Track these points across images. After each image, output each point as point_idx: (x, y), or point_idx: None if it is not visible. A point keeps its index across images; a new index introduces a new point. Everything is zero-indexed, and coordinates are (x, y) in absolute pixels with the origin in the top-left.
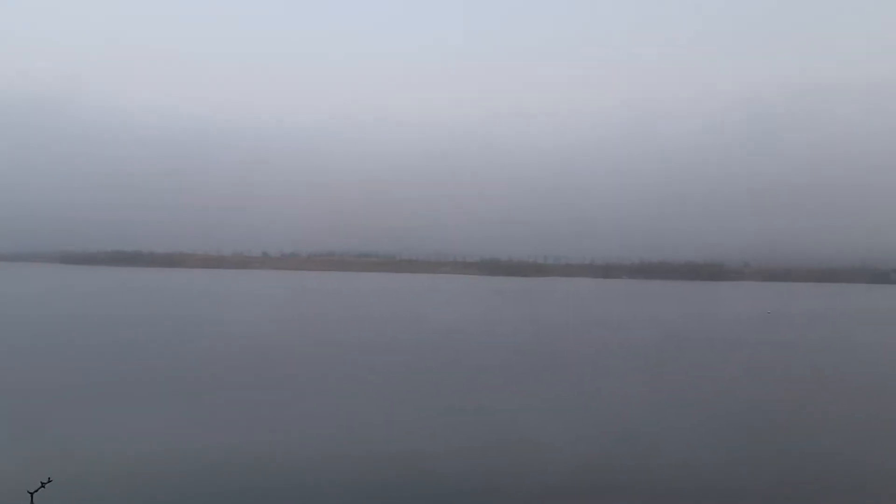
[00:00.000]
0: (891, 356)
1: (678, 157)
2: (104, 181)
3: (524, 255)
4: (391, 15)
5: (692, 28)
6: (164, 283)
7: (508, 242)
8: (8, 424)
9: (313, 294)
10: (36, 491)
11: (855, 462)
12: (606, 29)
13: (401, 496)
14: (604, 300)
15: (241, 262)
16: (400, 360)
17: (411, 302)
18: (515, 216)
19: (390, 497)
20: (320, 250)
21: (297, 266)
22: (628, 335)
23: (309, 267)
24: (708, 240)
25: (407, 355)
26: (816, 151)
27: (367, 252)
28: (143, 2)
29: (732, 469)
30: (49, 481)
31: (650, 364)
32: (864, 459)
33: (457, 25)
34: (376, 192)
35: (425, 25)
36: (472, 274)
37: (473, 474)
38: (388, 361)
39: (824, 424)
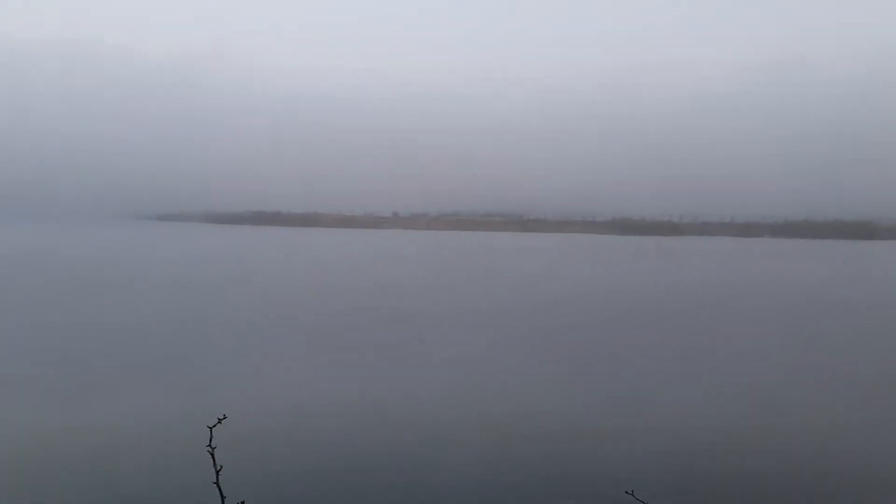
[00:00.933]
0: None
1: (824, 108)
2: (246, 144)
3: (657, 214)
4: None
5: None
6: (302, 241)
7: (640, 200)
8: (184, 369)
9: (442, 253)
10: (214, 426)
11: None
12: None
13: (530, 460)
14: (745, 260)
15: (373, 221)
16: (536, 323)
17: (542, 262)
18: (647, 173)
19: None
20: (447, 210)
21: (425, 226)
22: (775, 299)
23: (436, 227)
24: (858, 195)
25: (541, 317)
26: None
27: (493, 212)
28: None
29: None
30: (224, 417)
31: (806, 331)
32: None
33: None
34: (502, 151)
35: None
36: (602, 233)
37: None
38: (523, 324)
39: None
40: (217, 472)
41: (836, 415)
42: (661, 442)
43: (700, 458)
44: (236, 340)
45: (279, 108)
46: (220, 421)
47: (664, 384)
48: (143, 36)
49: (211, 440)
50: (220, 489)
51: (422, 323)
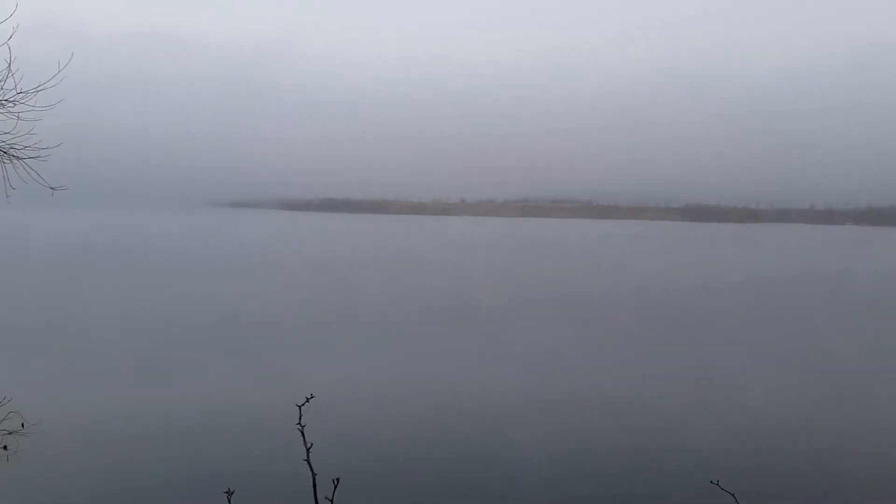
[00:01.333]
0: None
1: None
2: (317, 132)
3: (733, 200)
4: None
5: None
6: (373, 228)
7: (715, 186)
8: (271, 350)
9: (513, 240)
10: (303, 405)
11: None
12: None
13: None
14: (833, 249)
15: (441, 208)
16: (618, 313)
17: (617, 250)
18: (723, 158)
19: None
20: (515, 196)
21: (492, 212)
22: (870, 289)
23: (504, 213)
24: None
25: (623, 307)
26: None
27: (562, 198)
28: None
29: None
30: (312, 396)
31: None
32: None
33: None
34: (572, 137)
35: None
36: (675, 220)
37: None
38: (605, 314)
39: None
40: (308, 450)
41: None
42: (749, 434)
43: (789, 453)
44: (318, 323)
45: (349, 96)
46: (307, 400)
47: (753, 377)
48: (220, 27)
49: (300, 418)
50: (310, 466)
51: (501, 310)
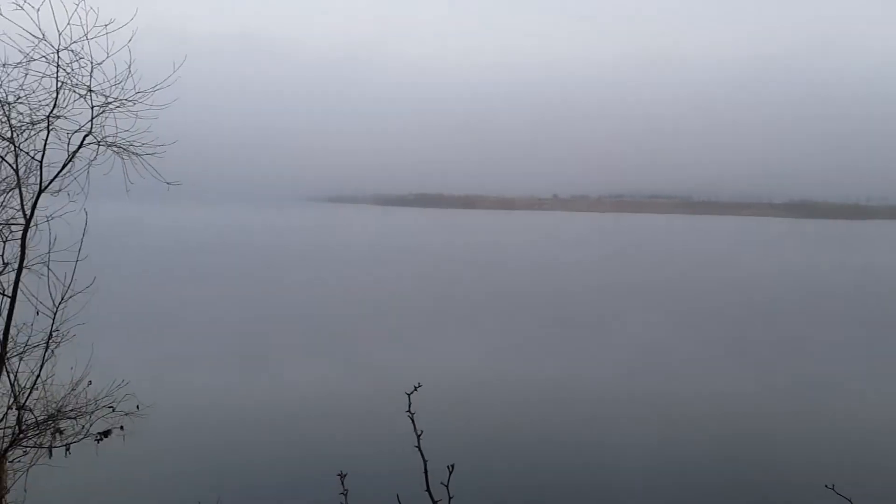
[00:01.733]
0: None
1: None
2: (410, 129)
3: (841, 196)
4: None
5: None
6: (465, 223)
7: (821, 181)
8: (378, 340)
9: (610, 236)
10: (411, 393)
11: None
12: None
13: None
14: None
15: (533, 203)
16: (725, 313)
17: (719, 247)
18: (829, 152)
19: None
20: (610, 191)
21: (586, 207)
22: None
23: (599, 209)
24: None
25: (730, 308)
26: None
27: (658, 193)
28: None
29: None
30: (420, 385)
31: None
32: None
33: None
34: (668, 130)
35: None
36: (779, 217)
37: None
38: (712, 314)
39: None
40: (418, 437)
41: None
42: (864, 437)
43: None
44: (422, 315)
45: (443, 93)
46: (415, 388)
47: (868, 380)
48: (320, 27)
49: (409, 406)
50: (421, 452)
51: (604, 308)
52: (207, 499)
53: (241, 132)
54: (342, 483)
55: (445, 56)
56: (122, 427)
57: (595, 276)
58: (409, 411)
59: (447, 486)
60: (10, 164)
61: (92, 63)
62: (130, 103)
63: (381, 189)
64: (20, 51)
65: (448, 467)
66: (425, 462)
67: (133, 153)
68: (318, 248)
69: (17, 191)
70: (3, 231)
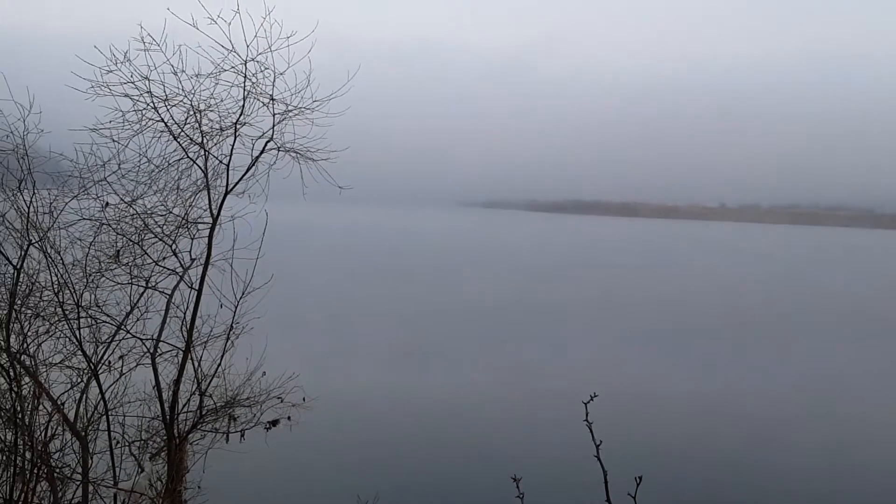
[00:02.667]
0: None
1: None
2: (567, 134)
3: None
4: None
5: None
6: (623, 231)
7: None
8: (548, 347)
9: (780, 249)
10: (588, 402)
11: None
12: None
13: None
14: None
15: (697, 212)
16: None
17: None
18: None
19: None
20: (782, 201)
21: (756, 218)
22: None
23: (769, 219)
24: None
25: None
26: None
27: (838, 204)
28: None
29: None
30: (596, 395)
31: None
32: None
33: None
34: (849, 136)
35: None
36: None
37: None
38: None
39: None
40: (597, 446)
41: None
42: None
43: None
44: (588, 324)
45: (603, 98)
46: (592, 398)
47: None
48: (482, 35)
49: (587, 415)
50: (601, 462)
51: (786, 326)
52: (367, 492)
53: (408, 136)
54: (517, 486)
55: (609, 60)
56: (289, 417)
57: (768, 290)
58: (586, 420)
59: (634, 497)
60: (200, 168)
61: (274, 73)
62: (308, 111)
63: (536, 195)
64: (212, 62)
65: (636, 479)
66: (605, 472)
67: (309, 158)
68: (477, 252)
69: (205, 192)
70: (192, 229)
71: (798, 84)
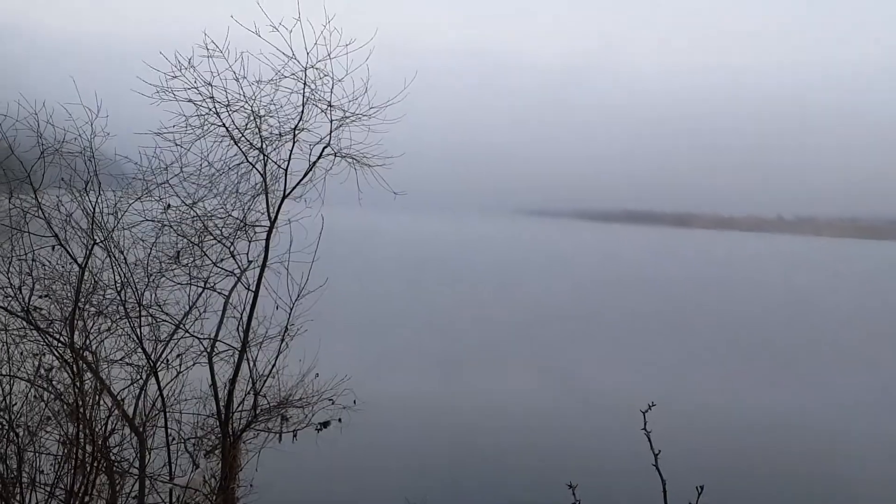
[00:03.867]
0: None
1: None
2: (619, 142)
3: None
4: None
5: None
6: (678, 243)
7: None
8: (607, 356)
9: (841, 263)
10: (646, 411)
11: None
12: None
13: None
14: None
15: (753, 224)
16: None
17: None
18: None
19: None
20: (843, 214)
21: (814, 231)
22: None
23: (829, 233)
24: None
25: None
26: None
27: None
28: None
29: None
30: (654, 404)
31: None
32: None
33: None
34: None
35: None
36: None
37: None
38: None
39: None
40: (655, 456)
41: None
42: None
43: None
44: (651, 335)
45: (656, 107)
46: (650, 407)
47: None
48: (539, 46)
49: (645, 424)
50: (659, 471)
51: (848, 339)
52: (415, 496)
53: (462, 144)
54: (573, 494)
55: (664, 69)
56: (339, 419)
57: (830, 305)
58: (644, 429)
59: None
60: (259, 172)
61: (333, 80)
62: (365, 118)
63: (586, 204)
64: (272, 68)
65: (697, 488)
66: (664, 482)
67: (365, 164)
68: (528, 260)
69: (263, 196)
70: (249, 232)
71: (859, 93)
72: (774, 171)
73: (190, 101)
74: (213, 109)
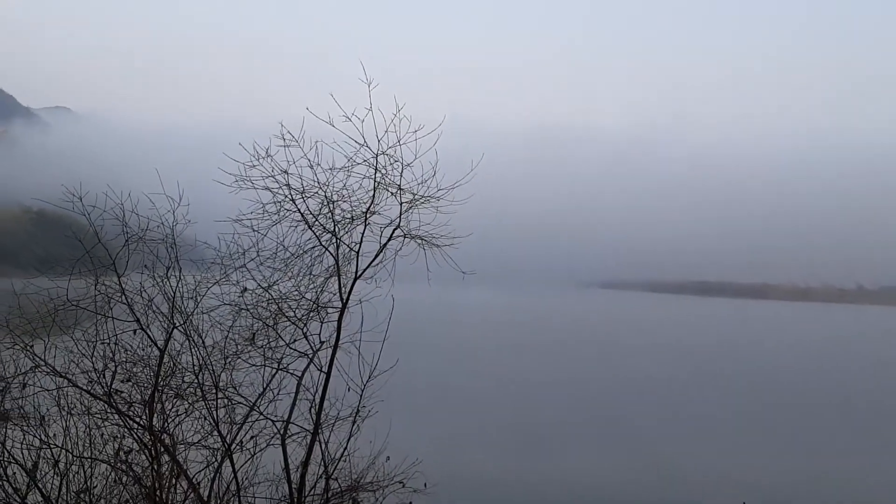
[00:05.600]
0: None
1: None
2: (689, 213)
3: None
4: None
5: None
6: (754, 315)
7: None
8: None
9: None
10: None
11: None
12: None
13: None
14: None
15: (833, 294)
16: None
17: None
18: None
19: None
20: None
21: None
22: None
23: None
24: None
25: None
26: None
27: None
28: None
29: None
30: None
31: None
32: None
33: None
34: None
35: None
36: None
37: None
38: None
39: None
40: None
41: None
42: None
43: None
44: (730, 413)
45: (730, 174)
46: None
47: None
48: (608, 116)
49: None
50: None
51: None
52: None
53: (529, 218)
54: None
55: (734, 138)
56: (410, 503)
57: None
58: None
59: None
60: (332, 255)
61: (402, 164)
62: (434, 200)
63: (657, 275)
64: (345, 156)
65: None
66: None
67: (434, 245)
68: (600, 335)
69: (335, 278)
70: (322, 313)
71: None
72: (854, 239)
73: (267, 188)
74: (289, 196)
